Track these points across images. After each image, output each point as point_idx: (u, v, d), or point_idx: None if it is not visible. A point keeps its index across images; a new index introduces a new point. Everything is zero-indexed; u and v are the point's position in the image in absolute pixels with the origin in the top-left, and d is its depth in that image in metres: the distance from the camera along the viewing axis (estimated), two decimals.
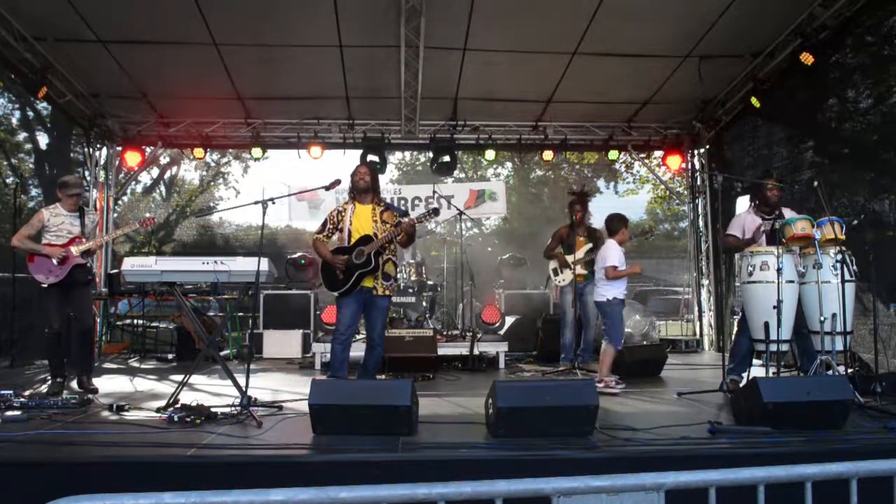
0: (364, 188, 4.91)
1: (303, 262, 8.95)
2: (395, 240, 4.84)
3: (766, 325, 4.53)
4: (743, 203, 7.71)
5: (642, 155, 10.38)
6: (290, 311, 8.29)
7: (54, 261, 4.96)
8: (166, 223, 20.37)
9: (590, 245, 6.62)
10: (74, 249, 5.05)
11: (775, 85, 7.65)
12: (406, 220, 4.84)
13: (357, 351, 5.16)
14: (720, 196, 5.64)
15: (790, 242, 4.75)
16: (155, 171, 20.54)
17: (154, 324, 9.14)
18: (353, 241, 4.83)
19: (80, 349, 5.24)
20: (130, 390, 5.37)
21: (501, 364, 7.06)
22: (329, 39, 7.19)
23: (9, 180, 9.77)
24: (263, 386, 5.52)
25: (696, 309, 9.99)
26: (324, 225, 4.98)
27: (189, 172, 22.24)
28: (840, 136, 6.79)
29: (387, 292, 4.89)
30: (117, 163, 9.58)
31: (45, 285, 4.98)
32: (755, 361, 5.31)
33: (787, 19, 6.97)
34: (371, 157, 9.16)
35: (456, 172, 14.65)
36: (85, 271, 5.20)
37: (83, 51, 7.33)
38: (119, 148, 9.40)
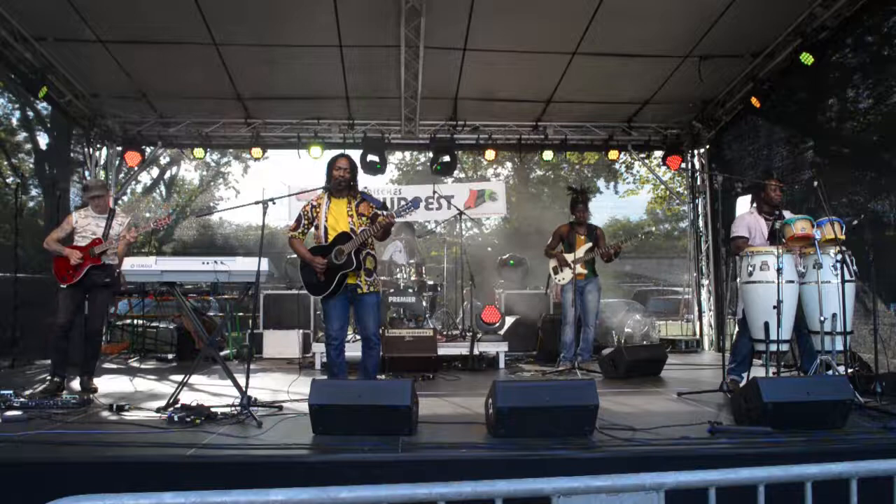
0: (344, 186, 4.70)
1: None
2: (373, 235, 4.66)
3: (766, 325, 4.54)
4: (743, 203, 7.72)
5: (642, 155, 10.38)
6: (290, 311, 8.28)
7: (71, 262, 5.02)
8: None
9: (590, 244, 6.63)
10: (92, 251, 5.08)
11: (775, 85, 7.65)
12: (384, 214, 4.64)
13: (354, 351, 5.04)
14: (720, 196, 5.65)
15: (790, 242, 4.75)
16: (155, 171, 20.55)
17: (154, 324, 9.14)
18: (329, 238, 4.65)
19: (84, 350, 5.24)
20: (130, 390, 5.37)
21: (501, 364, 7.06)
22: (329, 39, 7.20)
23: (9, 180, 9.75)
24: (263, 386, 5.52)
25: (696, 309, 9.99)
26: (298, 221, 4.75)
27: (189, 172, 22.24)
28: (840, 136, 6.79)
29: (372, 289, 4.71)
30: (117, 163, 9.58)
31: (64, 286, 5.05)
32: (755, 361, 5.31)
33: (787, 19, 6.98)
34: (371, 157, 9.15)
35: (456, 172, 14.60)
36: (104, 273, 5.19)
37: (83, 51, 7.33)
38: (119, 148, 9.40)
